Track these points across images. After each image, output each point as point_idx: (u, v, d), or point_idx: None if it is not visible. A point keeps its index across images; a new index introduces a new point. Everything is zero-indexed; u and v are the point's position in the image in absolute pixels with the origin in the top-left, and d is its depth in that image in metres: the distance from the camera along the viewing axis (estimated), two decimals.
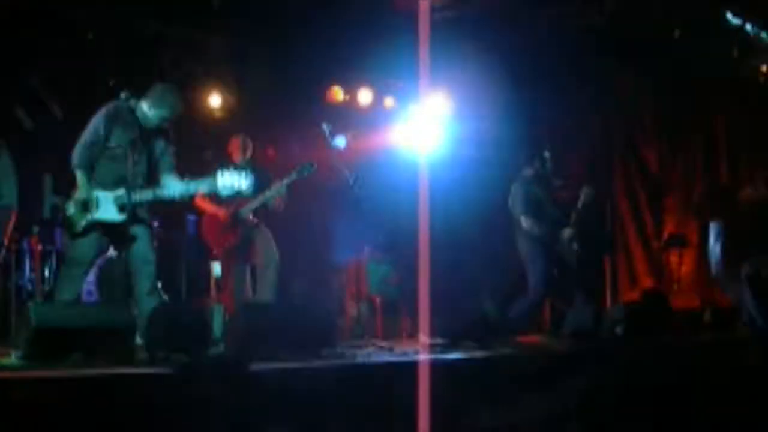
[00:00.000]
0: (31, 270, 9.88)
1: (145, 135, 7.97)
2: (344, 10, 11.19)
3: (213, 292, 10.93)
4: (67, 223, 7.87)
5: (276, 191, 9.67)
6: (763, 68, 12.25)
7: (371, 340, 9.36)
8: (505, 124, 13.11)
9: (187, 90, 11.75)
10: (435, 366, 6.73)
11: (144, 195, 7.83)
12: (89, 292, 9.99)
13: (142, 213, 7.99)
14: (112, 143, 7.86)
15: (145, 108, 7.99)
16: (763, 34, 11.70)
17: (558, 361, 8.43)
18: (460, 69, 12.12)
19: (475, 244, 13.61)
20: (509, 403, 7.50)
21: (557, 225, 10.26)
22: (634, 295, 13.13)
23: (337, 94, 12.81)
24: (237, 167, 9.46)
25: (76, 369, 5.92)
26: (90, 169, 7.86)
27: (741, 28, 11.51)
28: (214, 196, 9.50)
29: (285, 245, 9.91)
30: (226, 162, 9.93)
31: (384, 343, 8.91)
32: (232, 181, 7.76)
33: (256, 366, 6.34)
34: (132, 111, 7.98)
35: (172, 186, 7.93)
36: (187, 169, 9.77)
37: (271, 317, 7.77)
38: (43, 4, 10.37)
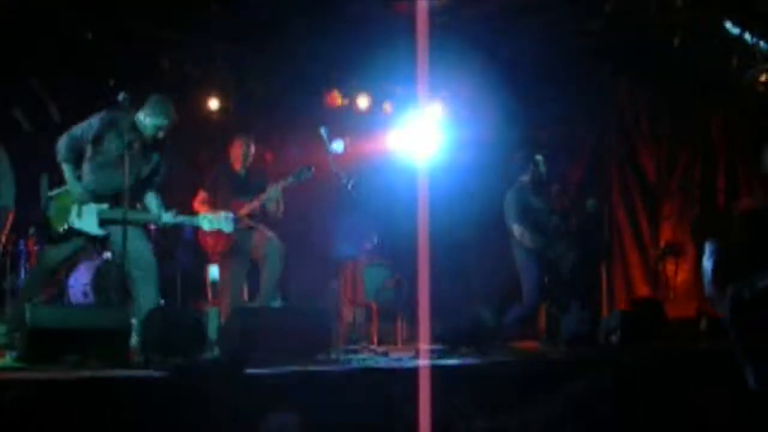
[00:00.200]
0: (28, 271, 9.88)
1: (140, 144, 8.05)
2: (343, 15, 11.19)
3: (209, 295, 10.91)
4: (46, 222, 7.95)
5: (272, 194, 9.65)
6: (762, 77, 12.24)
7: (367, 345, 9.36)
8: (503, 129, 13.11)
9: (186, 93, 11.77)
10: (432, 372, 6.72)
11: (130, 216, 7.74)
12: (85, 294, 9.98)
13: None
14: (106, 149, 7.93)
15: (142, 117, 8.06)
16: (762, 44, 11.70)
17: (553, 368, 8.43)
18: (458, 74, 12.12)
19: (472, 251, 13.62)
20: (505, 409, 7.50)
21: (553, 232, 10.25)
22: (629, 303, 13.13)
23: (336, 98, 12.81)
24: (235, 176, 9.54)
25: (71, 371, 5.92)
26: (75, 162, 7.96)
27: (740, 37, 11.52)
28: (210, 202, 9.54)
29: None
30: (225, 167, 9.96)
31: (379, 349, 8.91)
32: (214, 222, 8.14)
33: (251, 370, 6.34)
34: (130, 120, 8.02)
35: (160, 214, 8.13)
36: (184, 172, 9.81)
37: (267, 321, 7.78)
38: (43, 5, 10.37)
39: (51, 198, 7.98)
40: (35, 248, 9.92)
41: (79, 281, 10.09)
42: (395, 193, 11.91)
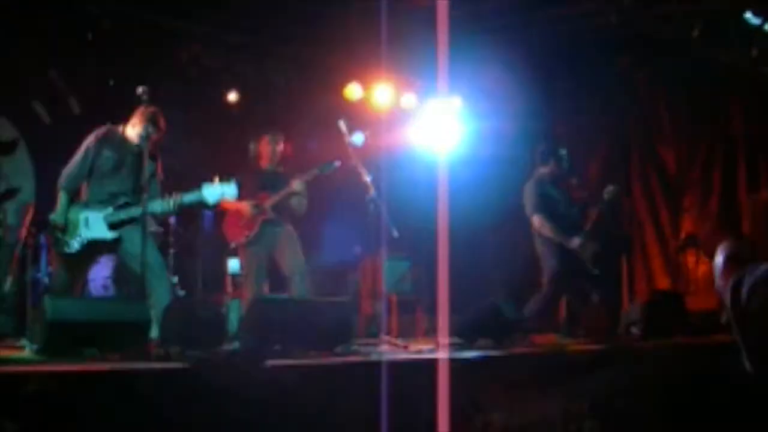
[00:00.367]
0: (48, 264, 9.90)
1: (132, 155, 8.23)
2: (362, 6, 11.17)
3: (229, 287, 10.92)
4: (59, 245, 8.13)
5: (296, 188, 9.65)
6: None
7: (386, 338, 9.35)
8: (523, 123, 13.08)
9: (205, 86, 11.79)
10: (451, 364, 6.71)
11: (132, 211, 8.09)
12: (105, 287, 10.01)
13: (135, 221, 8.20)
14: (102, 162, 8.19)
15: (129, 129, 8.26)
16: None
17: (573, 361, 8.41)
18: (478, 67, 12.09)
19: (491, 243, 13.60)
20: (524, 403, 7.49)
21: (572, 225, 10.21)
22: (650, 296, 13.08)
23: (355, 91, 12.78)
24: (262, 172, 9.56)
25: (91, 363, 5.93)
26: (73, 192, 8.22)
27: (760, 27, 11.44)
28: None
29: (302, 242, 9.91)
30: (251, 163, 10.01)
31: (399, 341, 8.89)
32: (216, 189, 8.11)
33: (271, 362, 6.34)
34: (120, 133, 8.29)
35: (159, 202, 8.15)
36: (203, 165, 9.81)
37: (286, 313, 7.77)
38: None
39: (55, 223, 8.17)
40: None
41: (100, 274, 10.12)
42: (414, 185, 11.89)
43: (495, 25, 11.97)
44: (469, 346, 8.37)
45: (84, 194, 8.24)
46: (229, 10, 11.11)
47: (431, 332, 10.45)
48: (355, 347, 7.77)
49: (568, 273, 10.12)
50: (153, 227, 10.01)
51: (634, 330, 10.21)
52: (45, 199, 8.87)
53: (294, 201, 9.71)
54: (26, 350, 6.71)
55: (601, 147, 14.38)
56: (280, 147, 10.00)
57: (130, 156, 8.24)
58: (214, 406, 5.52)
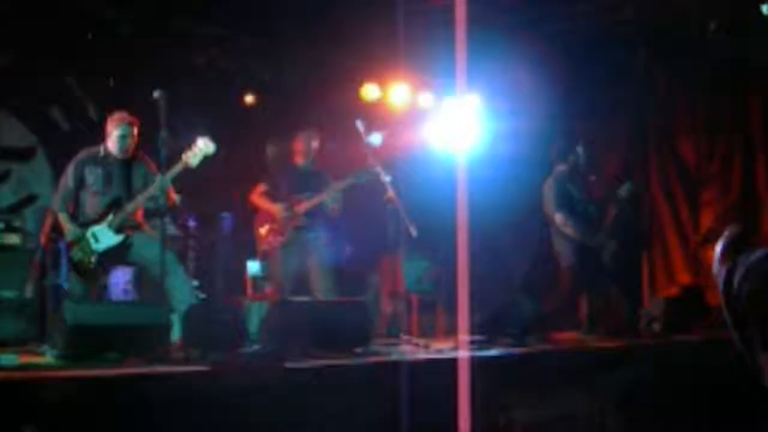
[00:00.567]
0: (68, 269, 9.92)
1: (119, 167, 8.51)
2: (379, 6, 11.17)
3: (249, 290, 10.92)
4: (80, 266, 8.42)
5: (332, 194, 9.67)
6: None
7: (407, 337, 9.34)
8: (541, 120, 13.05)
9: (222, 89, 11.80)
10: (472, 363, 6.71)
11: (130, 207, 8.35)
12: (125, 291, 10.02)
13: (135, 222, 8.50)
14: (91, 182, 8.42)
15: (109, 143, 8.50)
16: None
17: (594, 358, 8.40)
18: (495, 65, 12.06)
19: (511, 241, 13.57)
20: (545, 400, 7.48)
21: (592, 221, 10.18)
22: (671, 291, 13.03)
23: (372, 91, 12.77)
24: (296, 171, 9.59)
25: (111, 368, 5.94)
26: (70, 209, 8.52)
27: None
28: (270, 195, 9.60)
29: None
30: (284, 163, 10.06)
31: (420, 341, 8.89)
32: (197, 150, 8.15)
33: (291, 363, 6.35)
34: (102, 151, 8.51)
35: (156, 180, 8.19)
36: (221, 167, 9.83)
37: (307, 315, 7.77)
38: (79, 3, 10.41)
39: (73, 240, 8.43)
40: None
41: (120, 278, 10.13)
42: (433, 185, 11.88)
43: (512, 22, 11.95)
44: (490, 345, 8.35)
45: (83, 215, 8.47)
46: (244, 13, 11.11)
47: (451, 331, 10.43)
48: (375, 348, 7.76)
49: (588, 270, 10.09)
50: (171, 230, 10.04)
51: (655, 326, 10.20)
52: None
53: (328, 206, 9.73)
54: (47, 356, 6.73)
55: (620, 143, 14.32)
56: (316, 144, 10.02)
57: (116, 168, 8.48)
58: (235, 408, 5.52)
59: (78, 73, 10.98)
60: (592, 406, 7.95)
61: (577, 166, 10.28)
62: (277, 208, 9.68)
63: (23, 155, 10.89)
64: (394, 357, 7.30)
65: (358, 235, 11.62)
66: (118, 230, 8.28)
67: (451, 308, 10.41)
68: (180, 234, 10.62)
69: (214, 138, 8.30)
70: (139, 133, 8.57)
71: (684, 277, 13.75)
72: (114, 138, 8.42)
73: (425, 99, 13.18)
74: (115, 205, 8.35)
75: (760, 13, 11.18)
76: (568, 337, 9.90)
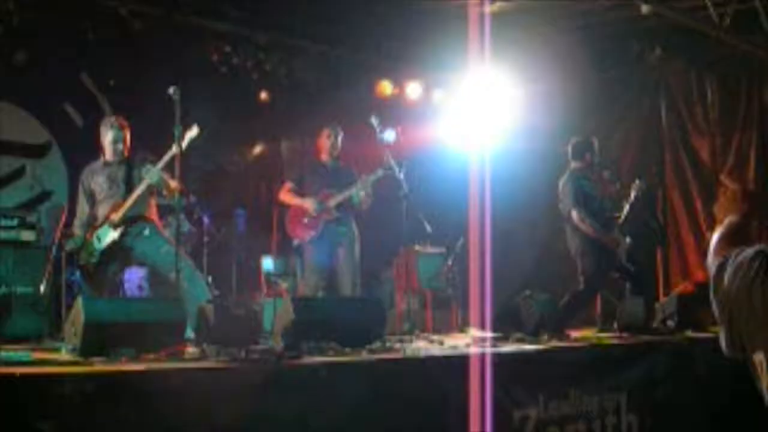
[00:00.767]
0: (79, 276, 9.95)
1: (119, 169, 8.74)
2: (393, 3, 11.17)
3: (263, 286, 10.93)
4: (86, 268, 8.72)
5: (361, 188, 9.67)
6: None
7: (421, 333, 9.33)
8: (554, 116, 13.03)
9: (236, 86, 11.80)
10: (487, 359, 6.70)
11: (129, 201, 8.56)
12: (140, 287, 10.05)
13: (141, 219, 8.69)
14: (98, 190, 8.72)
15: (104, 150, 8.78)
16: None
17: (609, 355, 8.37)
18: (510, 60, 12.05)
19: (525, 237, 13.55)
20: (560, 397, 7.47)
21: (607, 218, 10.14)
22: (686, 288, 13.00)
23: (386, 87, 12.77)
24: (322, 167, 9.61)
25: (126, 364, 5.94)
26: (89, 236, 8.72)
27: None
28: (298, 192, 9.61)
29: None
30: (309, 160, 10.11)
31: (434, 337, 8.87)
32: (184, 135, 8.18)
33: (306, 359, 6.34)
34: (102, 159, 8.80)
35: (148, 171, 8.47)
36: (237, 164, 9.84)
37: (322, 310, 7.77)
38: (93, 0, 10.44)
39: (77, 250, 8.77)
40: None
41: (135, 275, 10.15)
42: (447, 181, 11.88)
43: (527, 18, 11.94)
44: (505, 341, 8.34)
45: (97, 221, 8.70)
46: (258, 10, 11.11)
47: (466, 327, 10.42)
48: (390, 343, 7.74)
49: (604, 267, 10.05)
50: (186, 228, 10.05)
51: (670, 323, 10.16)
52: (77, 202, 8.96)
53: (357, 199, 9.73)
54: (62, 351, 6.73)
55: (634, 139, 14.30)
56: (340, 140, 10.03)
57: (117, 171, 8.72)
58: (250, 404, 5.52)
59: (92, 69, 11.00)
60: (608, 403, 7.93)
61: (591, 163, 10.25)
62: (309, 203, 9.71)
63: (38, 152, 10.92)
64: (409, 353, 7.27)
65: (373, 231, 11.61)
66: (116, 226, 8.47)
67: (466, 304, 10.42)
68: (194, 231, 10.64)
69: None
70: (132, 134, 8.78)
71: (699, 274, 13.70)
72: (107, 144, 8.70)
73: (439, 95, 13.18)
74: (117, 205, 8.53)
75: None
76: (583, 333, 9.88)
